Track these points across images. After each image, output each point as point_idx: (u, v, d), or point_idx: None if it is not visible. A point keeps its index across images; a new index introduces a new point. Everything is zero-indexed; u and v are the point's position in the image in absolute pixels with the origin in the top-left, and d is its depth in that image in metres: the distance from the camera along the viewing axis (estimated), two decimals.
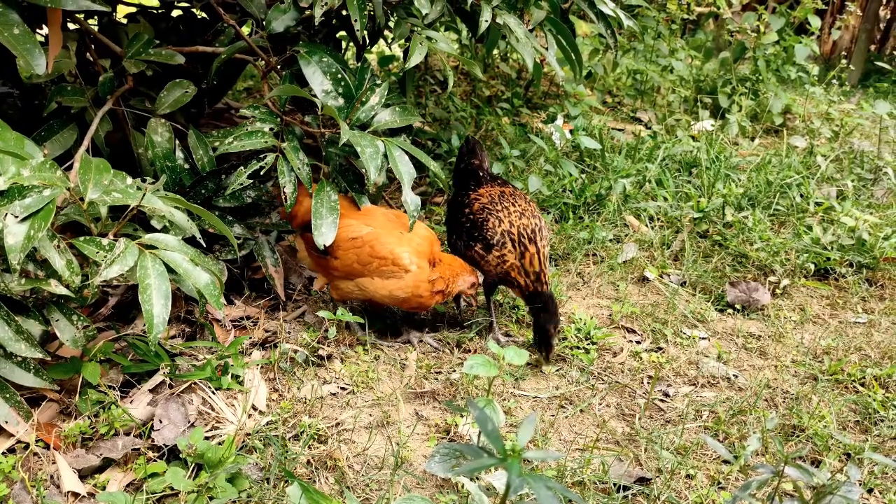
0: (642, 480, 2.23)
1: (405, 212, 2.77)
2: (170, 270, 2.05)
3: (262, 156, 2.72)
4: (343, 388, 2.58)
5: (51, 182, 1.96)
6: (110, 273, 1.94)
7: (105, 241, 2.06)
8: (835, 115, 5.46)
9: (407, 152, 2.71)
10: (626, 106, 5.96)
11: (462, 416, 2.45)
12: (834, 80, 5.63)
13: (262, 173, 2.73)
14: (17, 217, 1.89)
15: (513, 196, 2.91)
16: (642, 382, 2.77)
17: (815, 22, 5.70)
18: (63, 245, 2.05)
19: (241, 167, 2.73)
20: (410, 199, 2.73)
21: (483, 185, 3.01)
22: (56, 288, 2.09)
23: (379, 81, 2.79)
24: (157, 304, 2.00)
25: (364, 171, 2.62)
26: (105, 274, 1.94)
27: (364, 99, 2.73)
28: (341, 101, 2.74)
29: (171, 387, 2.41)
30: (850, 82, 7.24)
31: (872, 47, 8.46)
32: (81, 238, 2.07)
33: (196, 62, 3.04)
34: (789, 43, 5.78)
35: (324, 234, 2.67)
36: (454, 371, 2.72)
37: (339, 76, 2.74)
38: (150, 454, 2.15)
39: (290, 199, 2.71)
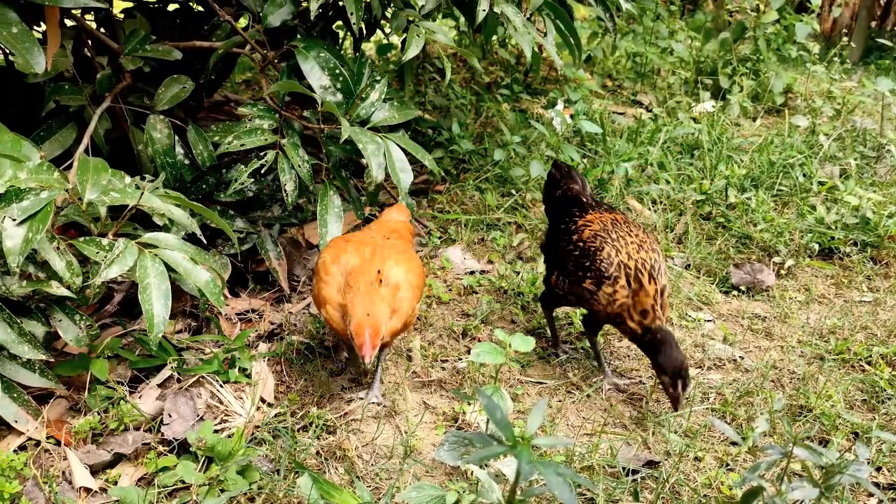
0: (651, 464, 2.24)
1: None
2: (170, 269, 2.06)
3: (262, 153, 2.71)
4: (350, 379, 2.59)
5: (48, 184, 1.96)
6: (110, 273, 1.95)
7: (105, 242, 2.06)
8: (836, 94, 5.41)
9: (403, 148, 2.73)
10: (626, 89, 5.93)
11: (469, 405, 2.45)
12: (835, 58, 5.58)
13: (262, 171, 2.73)
14: (14, 220, 1.89)
15: (626, 224, 2.60)
16: (648, 366, 2.76)
17: None
18: (63, 246, 2.05)
19: (242, 165, 2.72)
20: (406, 203, 2.88)
21: (590, 212, 2.67)
22: (57, 290, 2.10)
23: (378, 77, 2.79)
24: (157, 304, 2.01)
25: (365, 165, 2.63)
26: (105, 274, 1.94)
27: (364, 95, 2.73)
28: (340, 96, 2.73)
29: (179, 381, 2.42)
30: (852, 60, 7.17)
31: (873, 24, 8.37)
32: (81, 239, 2.07)
33: (193, 57, 3.03)
34: (789, 21, 5.72)
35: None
36: (460, 360, 2.72)
37: (337, 71, 2.72)
38: (161, 448, 2.16)
39: (292, 196, 2.70)
